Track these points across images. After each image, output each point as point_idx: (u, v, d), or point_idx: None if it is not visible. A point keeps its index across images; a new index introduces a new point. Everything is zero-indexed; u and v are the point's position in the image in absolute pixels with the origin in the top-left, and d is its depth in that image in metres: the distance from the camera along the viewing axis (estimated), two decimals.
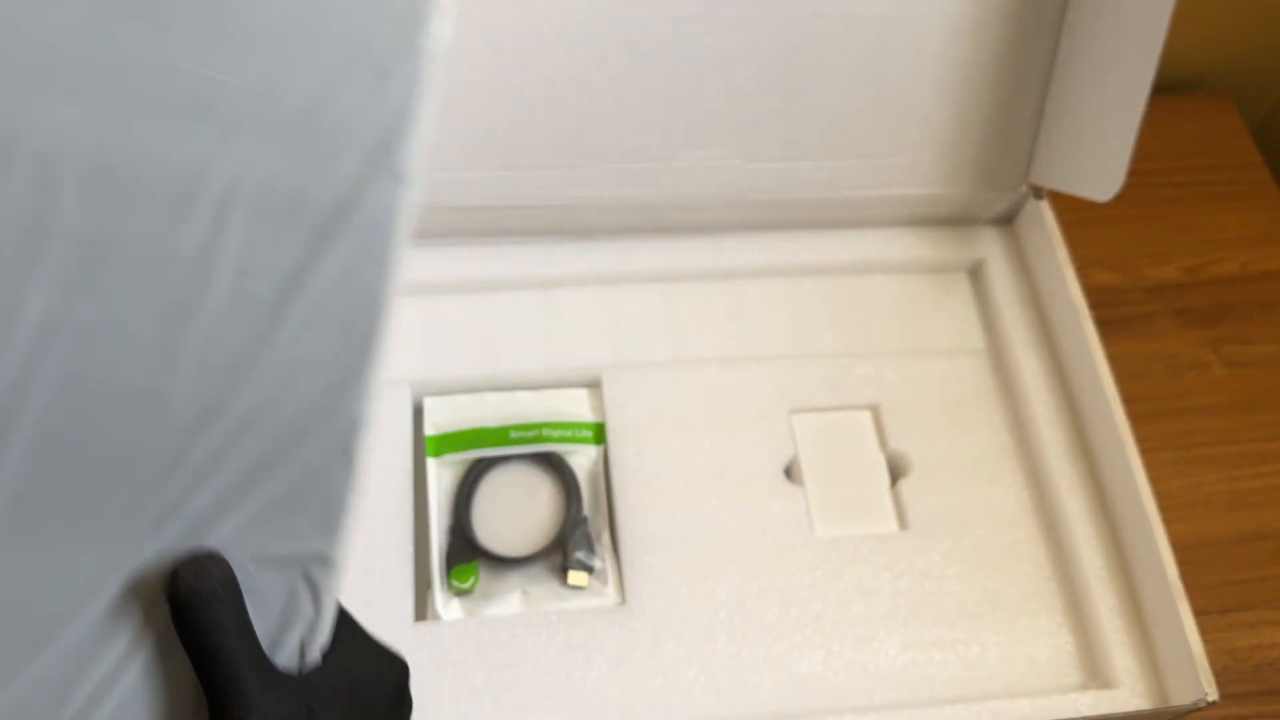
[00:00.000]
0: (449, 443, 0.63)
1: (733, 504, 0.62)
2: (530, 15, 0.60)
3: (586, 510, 0.62)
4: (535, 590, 0.60)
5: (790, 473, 0.64)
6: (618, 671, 0.57)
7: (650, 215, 0.68)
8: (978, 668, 0.59)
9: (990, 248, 0.72)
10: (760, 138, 0.66)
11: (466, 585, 0.59)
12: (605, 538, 0.61)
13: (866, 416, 0.67)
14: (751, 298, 0.70)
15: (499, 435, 0.64)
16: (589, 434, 0.64)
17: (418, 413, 0.64)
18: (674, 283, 0.70)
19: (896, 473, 0.65)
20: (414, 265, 0.66)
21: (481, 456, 0.63)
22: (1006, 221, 0.73)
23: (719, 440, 0.64)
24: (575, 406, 0.65)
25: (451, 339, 0.66)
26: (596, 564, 0.60)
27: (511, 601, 0.59)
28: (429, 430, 0.64)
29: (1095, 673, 0.59)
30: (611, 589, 0.60)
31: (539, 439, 0.63)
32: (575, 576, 0.60)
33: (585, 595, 0.59)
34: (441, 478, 0.63)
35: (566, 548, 0.60)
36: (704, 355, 0.67)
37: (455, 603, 0.59)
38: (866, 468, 0.65)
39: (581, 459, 0.64)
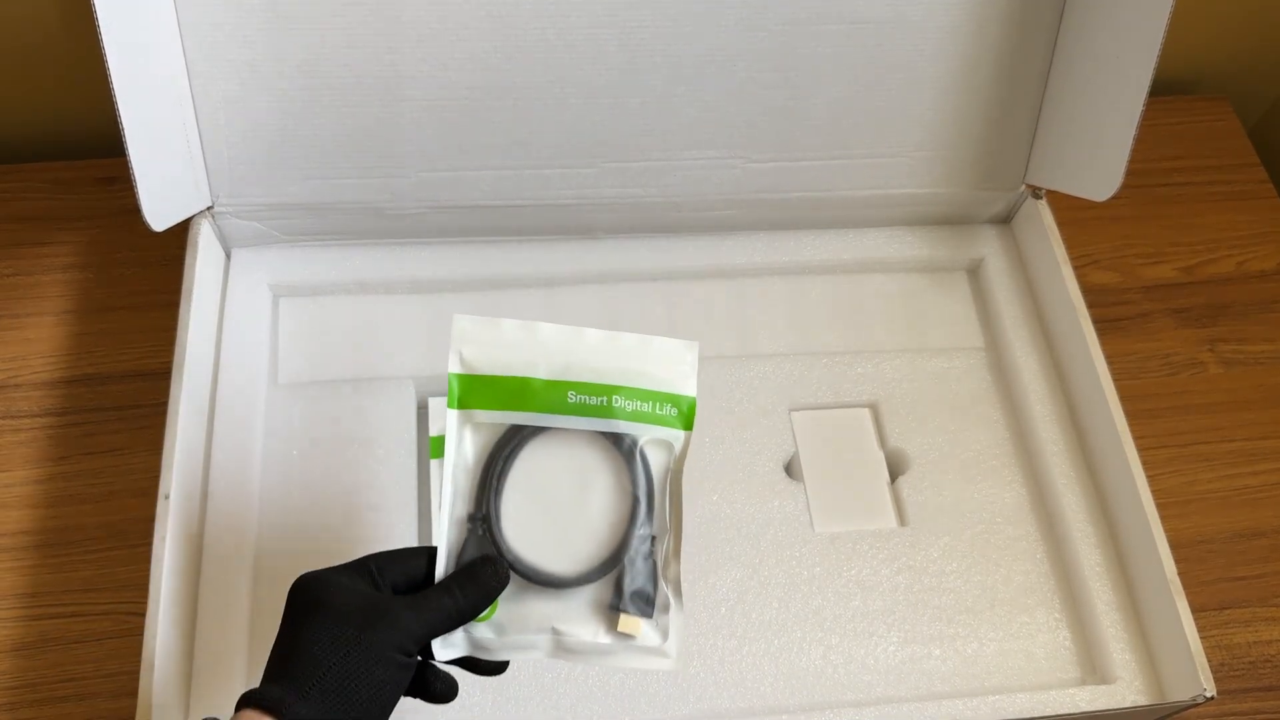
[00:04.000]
0: (481, 390, 0.45)
1: (733, 500, 0.63)
2: (531, 15, 0.60)
3: (655, 525, 0.45)
4: (569, 631, 0.44)
5: (790, 469, 0.64)
6: None
7: (651, 215, 0.69)
8: (976, 663, 0.59)
9: (989, 247, 0.72)
10: (760, 138, 0.66)
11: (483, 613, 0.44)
12: (675, 568, 0.45)
13: (866, 414, 0.67)
14: (752, 296, 0.70)
15: (551, 394, 0.45)
16: (675, 411, 0.46)
17: (422, 410, 0.65)
18: (675, 281, 0.70)
19: (895, 470, 0.65)
20: (417, 264, 0.67)
21: (522, 423, 0.45)
22: (1005, 221, 0.73)
23: (719, 437, 0.65)
24: (668, 368, 0.46)
25: None
26: (660, 605, 0.44)
27: (537, 642, 0.44)
28: (453, 367, 0.45)
29: (1093, 668, 0.59)
30: (672, 644, 0.44)
31: (606, 411, 0.45)
32: (627, 622, 0.44)
33: (633, 649, 0.44)
34: (464, 443, 0.45)
35: (621, 579, 0.44)
36: (705, 353, 0.66)
37: (459, 635, 0.44)
38: (866, 465, 0.65)
39: (660, 451, 0.46)
